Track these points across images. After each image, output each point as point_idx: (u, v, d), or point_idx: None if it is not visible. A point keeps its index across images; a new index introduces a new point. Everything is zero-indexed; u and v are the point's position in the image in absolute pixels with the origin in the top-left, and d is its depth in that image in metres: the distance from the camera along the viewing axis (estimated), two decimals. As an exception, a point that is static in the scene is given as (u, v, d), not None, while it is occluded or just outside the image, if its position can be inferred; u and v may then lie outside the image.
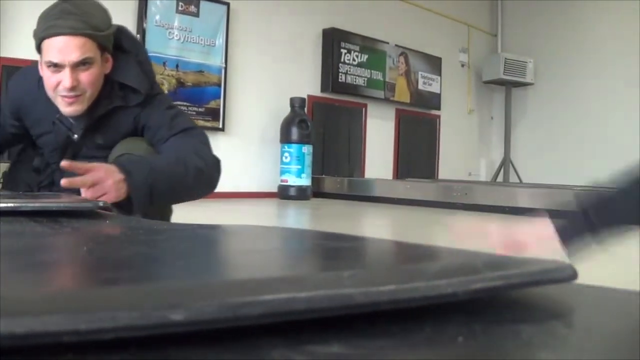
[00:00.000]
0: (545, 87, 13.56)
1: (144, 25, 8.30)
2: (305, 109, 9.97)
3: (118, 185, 1.63)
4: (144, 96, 2.02)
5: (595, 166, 12.77)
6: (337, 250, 0.56)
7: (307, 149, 9.61)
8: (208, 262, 0.53)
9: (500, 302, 0.38)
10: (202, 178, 1.89)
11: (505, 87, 13.72)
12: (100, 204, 0.97)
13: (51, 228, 0.72)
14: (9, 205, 0.83)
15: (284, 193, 9.52)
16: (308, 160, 9.63)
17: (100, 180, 1.60)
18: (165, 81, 8.50)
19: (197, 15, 8.82)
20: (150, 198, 1.72)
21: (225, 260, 0.55)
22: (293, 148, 9.49)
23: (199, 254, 0.57)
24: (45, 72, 1.92)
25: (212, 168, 1.94)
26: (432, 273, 0.35)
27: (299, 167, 9.49)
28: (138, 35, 8.30)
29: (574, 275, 0.39)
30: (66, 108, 1.94)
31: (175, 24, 8.63)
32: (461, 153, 13.63)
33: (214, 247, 0.66)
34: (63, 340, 0.25)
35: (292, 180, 9.47)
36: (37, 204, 0.89)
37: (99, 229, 0.79)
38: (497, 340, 0.32)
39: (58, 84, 1.89)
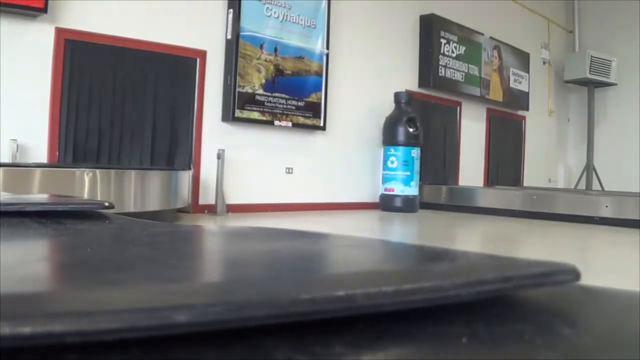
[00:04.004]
0: (627, 88, 11.44)
1: (239, -2, 6.14)
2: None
3: None
4: None
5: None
6: (341, 251, 0.53)
7: (416, 153, 7.48)
8: (211, 263, 0.49)
9: (503, 303, 0.35)
10: None
11: (588, 87, 11.61)
12: (106, 204, 0.83)
13: (54, 229, 0.67)
14: (13, 205, 0.76)
15: (388, 204, 7.39)
16: (417, 165, 7.50)
17: None
18: (263, 68, 6.36)
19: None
20: None
21: (227, 262, 0.49)
22: (400, 151, 7.36)
23: (201, 255, 0.54)
24: None
25: None
26: (435, 274, 0.34)
27: (408, 173, 7.36)
28: (231, 10, 6.16)
29: (576, 276, 0.36)
30: None
31: (273, -1, 6.46)
32: (541, 158, 11.52)
33: (216, 248, 0.61)
34: (67, 340, 0.24)
35: (400, 189, 7.33)
36: (40, 205, 0.81)
37: (102, 230, 0.73)
38: (501, 340, 0.30)
39: None
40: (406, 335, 0.29)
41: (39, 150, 5.20)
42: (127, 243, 0.62)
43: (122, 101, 5.63)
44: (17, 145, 4.99)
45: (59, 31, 5.24)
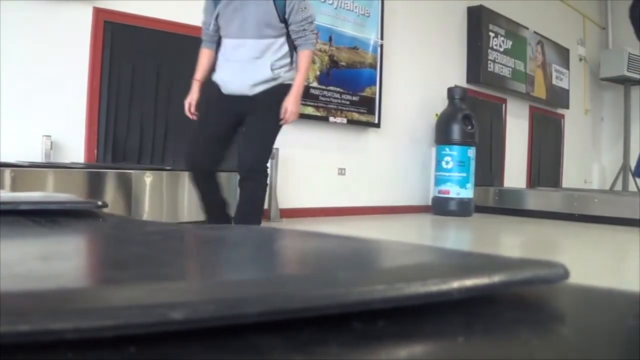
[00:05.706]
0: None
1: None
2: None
3: None
4: None
5: None
6: (335, 251, 0.52)
7: (472, 153, 6.72)
8: (205, 261, 0.47)
9: (500, 303, 0.34)
10: None
11: (624, 85, 10.87)
12: (99, 203, 0.81)
13: (50, 228, 0.66)
14: (8, 204, 0.73)
15: (441, 207, 6.62)
16: (473, 166, 6.74)
17: None
18: (318, 58, 5.57)
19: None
20: None
21: (221, 260, 0.47)
22: (456, 151, 6.59)
23: (195, 254, 0.52)
24: None
25: None
26: (426, 273, 0.33)
27: (464, 175, 6.60)
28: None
29: (565, 275, 0.35)
30: None
31: (326, -17, 5.67)
32: (578, 158, 10.78)
33: (210, 247, 0.58)
34: (65, 337, 0.23)
35: (455, 192, 6.57)
36: (34, 204, 0.77)
37: (97, 229, 0.71)
38: (497, 340, 0.29)
39: None
40: (402, 335, 0.28)
41: (76, 148, 4.42)
42: (122, 241, 0.61)
43: (167, 93, 4.84)
44: (51, 142, 4.21)
45: (98, 12, 4.46)
